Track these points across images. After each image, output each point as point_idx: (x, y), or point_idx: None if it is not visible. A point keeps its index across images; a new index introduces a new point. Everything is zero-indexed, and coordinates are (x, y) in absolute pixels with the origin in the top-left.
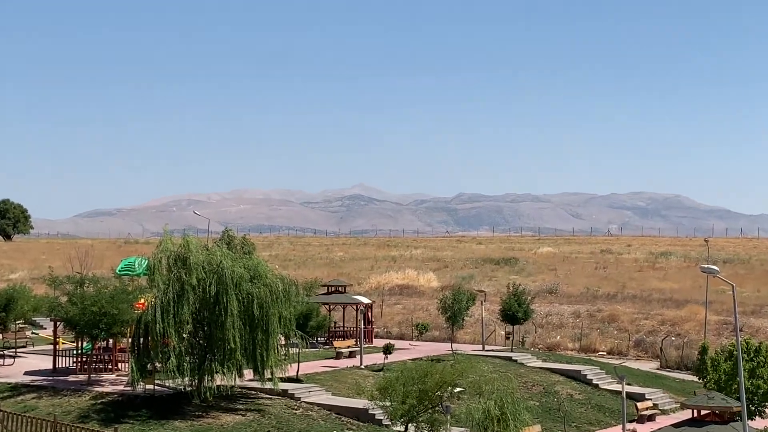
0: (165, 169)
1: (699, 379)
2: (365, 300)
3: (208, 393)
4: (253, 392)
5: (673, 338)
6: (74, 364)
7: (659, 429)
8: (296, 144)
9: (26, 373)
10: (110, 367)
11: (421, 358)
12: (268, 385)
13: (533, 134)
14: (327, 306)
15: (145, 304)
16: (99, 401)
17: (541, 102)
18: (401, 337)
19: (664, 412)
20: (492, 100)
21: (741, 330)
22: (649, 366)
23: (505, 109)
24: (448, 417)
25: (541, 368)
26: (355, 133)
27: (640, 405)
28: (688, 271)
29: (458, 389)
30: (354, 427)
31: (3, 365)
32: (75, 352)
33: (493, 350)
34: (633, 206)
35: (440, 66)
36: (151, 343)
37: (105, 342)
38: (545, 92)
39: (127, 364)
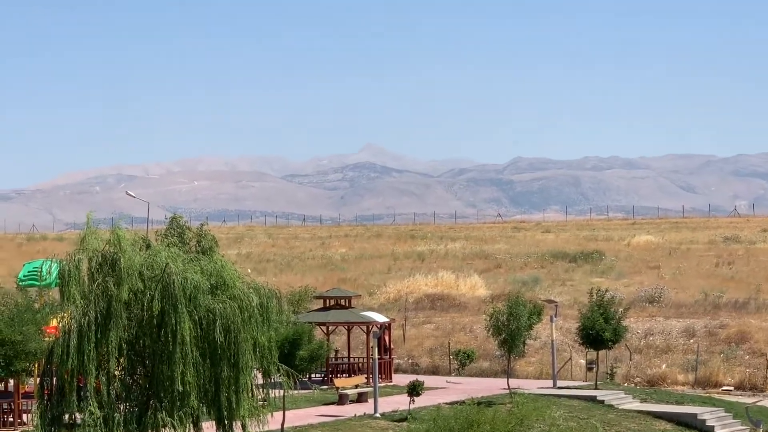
0: (83, 133)
1: None
2: (380, 318)
3: None
4: None
5: None
6: None
7: None
8: (274, 90)
9: None
10: (11, 419)
11: (463, 401)
12: None
13: (620, 74)
14: (324, 327)
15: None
16: None
17: (627, 25)
18: (434, 371)
19: None
20: (555, 27)
21: None
22: None
23: (577, 41)
24: None
25: (639, 412)
26: (362, 74)
27: None
28: None
29: None
30: None
31: None
32: None
33: (569, 387)
34: None
35: None
36: (66, 386)
37: (2, 384)
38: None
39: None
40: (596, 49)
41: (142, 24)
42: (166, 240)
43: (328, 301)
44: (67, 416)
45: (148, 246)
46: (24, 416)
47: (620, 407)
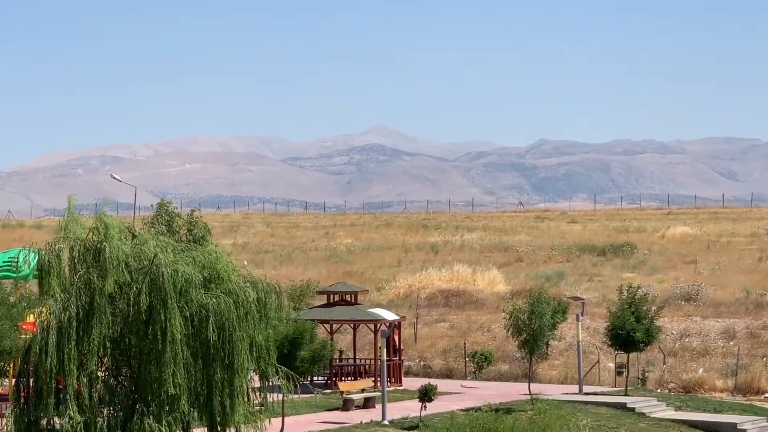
0: (65, 110)
1: None
2: (389, 315)
3: None
4: None
5: None
6: None
7: None
8: (274, 65)
9: None
10: None
11: (479, 408)
12: None
13: (653, 49)
14: (327, 326)
15: (37, 324)
16: None
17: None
18: (448, 375)
19: None
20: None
21: None
22: None
23: (606, 17)
24: None
25: (673, 421)
26: (371, 49)
27: None
28: None
29: None
30: None
31: None
32: None
33: (596, 393)
34: None
35: None
36: (44, 388)
37: None
38: None
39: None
40: (627, 24)
41: None
42: (153, 228)
43: (332, 296)
44: (44, 421)
45: (134, 235)
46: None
47: (652, 415)
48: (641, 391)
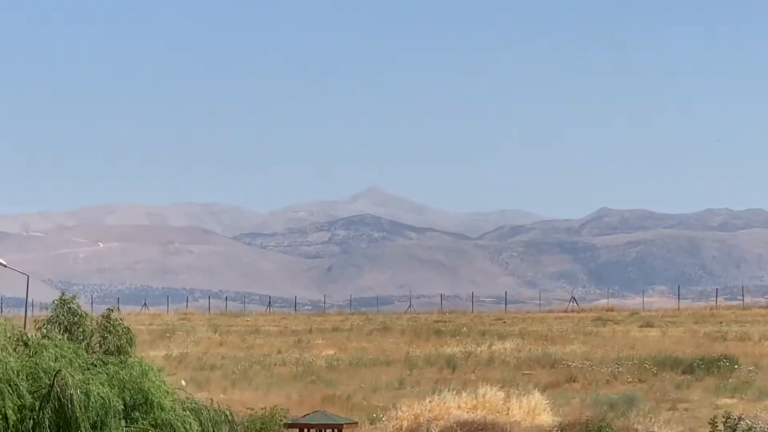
0: None
1: None
2: None
3: None
4: None
5: None
6: None
7: None
8: (226, 104)
9: None
10: None
11: None
12: None
13: (755, 94)
14: None
15: None
16: None
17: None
18: None
19: None
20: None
21: None
22: None
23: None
24: None
25: None
26: (365, 85)
27: None
28: None
29: None
30: None
31: None
32: None
33: None
34: None
35: None
36: None
37: None
38: None
39: None
40: (727, 63)
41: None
42: (53, 333)
43: (307, 431)
44: None
45: (26, 343)
46: None
47: None
48: None
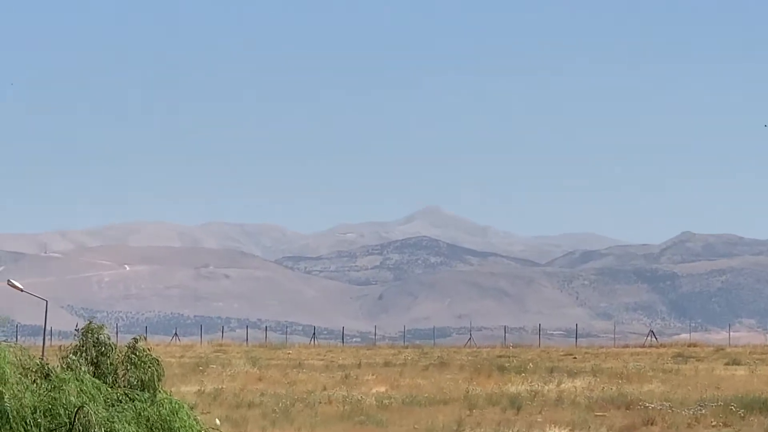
0: None
1: None
2: None
3: None
4: None
5: None
6: None
7: None
8: (265, 116)
9: None
10: None
11: None
12: None
13: None
14: None
15: None
16: None
17: None
18: None
19: None
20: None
21: None
22: None
23: None
24: None
25: None
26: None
27: None
28: None
29: None
30: None
31: None
32: None
33: None
34: None
35: None
36: None
37: None
38: None
39: None
40: None
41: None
42: (76, 365)
43: None
44: None
45: (47, 375)
46: None
47: None
48: None
